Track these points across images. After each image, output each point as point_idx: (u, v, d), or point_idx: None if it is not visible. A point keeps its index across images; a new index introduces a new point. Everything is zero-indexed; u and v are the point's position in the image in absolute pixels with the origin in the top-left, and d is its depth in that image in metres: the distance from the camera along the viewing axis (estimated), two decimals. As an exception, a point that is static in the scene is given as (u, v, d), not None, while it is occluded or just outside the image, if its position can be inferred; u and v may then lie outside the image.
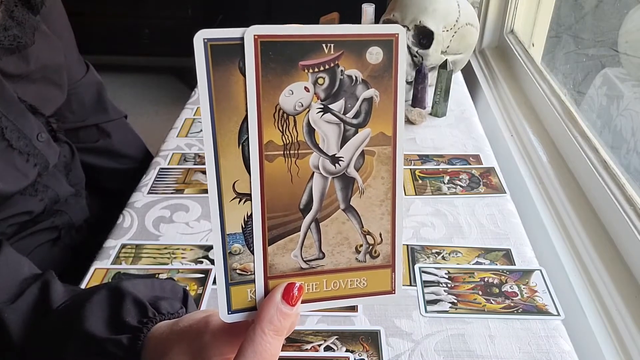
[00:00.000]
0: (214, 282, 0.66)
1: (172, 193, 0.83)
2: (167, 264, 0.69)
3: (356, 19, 1.23)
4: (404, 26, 1.06)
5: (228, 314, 0.34)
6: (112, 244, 0.73)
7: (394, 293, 0.37)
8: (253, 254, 0.34)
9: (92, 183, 0.92)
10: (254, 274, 0.34)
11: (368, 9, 1.22)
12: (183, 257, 0.70)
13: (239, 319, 0.35)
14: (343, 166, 0.34)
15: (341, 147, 0.34)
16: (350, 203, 0.35)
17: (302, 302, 0.35)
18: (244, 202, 0.33)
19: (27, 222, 0.75)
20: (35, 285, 0.52)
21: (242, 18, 2.78)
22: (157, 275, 0.67)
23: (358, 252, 0.36)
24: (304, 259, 0.35)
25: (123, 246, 0.72)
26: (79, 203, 0.84)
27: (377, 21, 1.21)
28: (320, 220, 0.35)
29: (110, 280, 0.67)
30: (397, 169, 0.35)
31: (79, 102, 0.88)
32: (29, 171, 0.69)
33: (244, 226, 0.33)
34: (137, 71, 3.06)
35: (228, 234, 0.33)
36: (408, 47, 1.05)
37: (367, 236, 0.36)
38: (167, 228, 0.76)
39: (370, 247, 0.36)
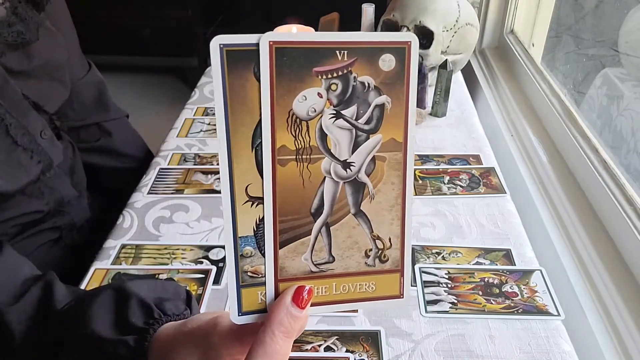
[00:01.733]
0: (214, 283, 0.66)
1: (172, 193, 0.83)
2: (167, 264, 0.69)
3: (356, 19, 1.23)
4: (403, 26, 1.06)
5: (238, 315, 0.35)
6: (112, 244, 0.73)
7: (402, 297, 0.37)
8: (264, 256, 0.34)
9: (93, 183, 0.92)
10: (265, 276, 0.35)
11: (368, 9, 1.22)
12: (183, 258, 0.70)
13: (249, 321, 0.35)
14: (354, 171, 0.34)
15: (353, 152, 0.34)
16: (361, 208, 0.35)
17: (312, 304, 0.35)
18: (256, 206, 0.33)
19: (30, 222, 0.75)
20: (37, 286, 0.52)
21: (242, 18, 2.78)
22: (157, 276, 0.67)
23: (367, 256, 0.36)
24: (314, 263, 0.35)
25: (123, 246, 0.72)
26: (80, 203, 0.84)
27: (377, 21, 1.21)
28: (331, 225, 0.35)
29: (110, 280, 0.67)
30: (407, 174, 0.35)
31: (80, 101, 0.88)
32: (32, 168, 0.68)
33: (255, 229, 0.34)
34: (137, 71, 3.06)
35: (240, 237, 0.34)
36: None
37: (377, 241, 0.36)
38: (167, 228, 0.76)
39: (380, 251, 0.36)
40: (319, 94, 0.32)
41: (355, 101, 0.33)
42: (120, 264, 0.69)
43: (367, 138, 0.34)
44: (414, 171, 0.87)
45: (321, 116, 0.33)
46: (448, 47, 1.07)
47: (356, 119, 0.33)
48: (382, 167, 0.35)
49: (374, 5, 1.22)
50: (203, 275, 0.67)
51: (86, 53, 0.93)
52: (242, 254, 0.34)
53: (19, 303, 0.50)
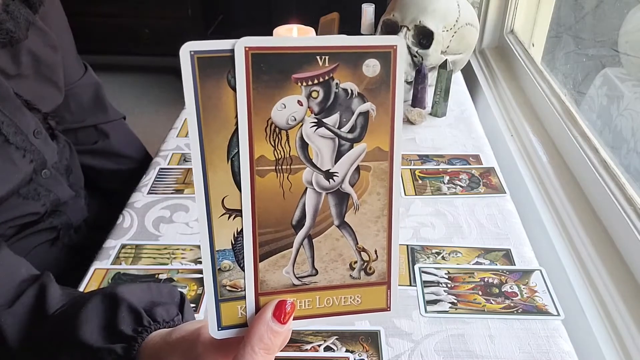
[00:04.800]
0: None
1: (171, 193, 0.83)
2: (167, 264, 0.69)
3: (356, 19, 1.23)
4: (403, 26, 1.06)
5: (218, 330, 0.34)
6: (112, 244, 0.73)
7: (389, 310, 0.36)
8: (243, 270, 0.33)
9: (91, 183, 0.92)
10: (245, 290, 0.34)
11: (368, 9, 1.21)
12: (183, 257, 0.70)
13: (229, 335, 0.34)
14: (337, 182, 0.33)
15: (335, 162, 0.33)
16: (345, 219, 0.34)
17: (294, 318, 0.34)
18: (234, 218, 0.32)
19: (27, 223, 0.74)
20: (32, 289, 0.52)
21: (242, 18, 2.78)
22: (157, 276, 0.67)
23: (352, 268, 0.35)
24: (297, 276, 0.34)
25: (123, 246, 0.72)
26: (77, 203, 0.84)
27: (377, 21, 1.21)
28: (314, 237, 0.34)
29: (110, 280, 0.67)
30: (393, 184, 0.34)
31: (77, 103, 0.88)
32: (24, 166, 0.68)
33: (233, 242, 0.33)
34: (137, 71, 3.06)
35: (217, 250, 0.33)
36: (408, 47, 1.05)
37: (362, 253, 0.35)
38: (166, 228, 0.76)
39: (365, 263, 0.35)
40: (299, 101, 0.31)
41: (338, 109, 0.32)
42: (120, 264, 0.69)
43: (351, 147, 0.33)
44: (415, 171, 0.87)
45: (302, 125, 0.31)
46: (448, 47, 1.07)
47: (339, 128, 0.32)
48: (366, 177, 0.33)
49: (374, 5, 1.22)
50: (203, 275, 0.67)
51: (85, 53, 0.93)
52: (219, 268, 0.33)
53: (13, 306, 0.50)
